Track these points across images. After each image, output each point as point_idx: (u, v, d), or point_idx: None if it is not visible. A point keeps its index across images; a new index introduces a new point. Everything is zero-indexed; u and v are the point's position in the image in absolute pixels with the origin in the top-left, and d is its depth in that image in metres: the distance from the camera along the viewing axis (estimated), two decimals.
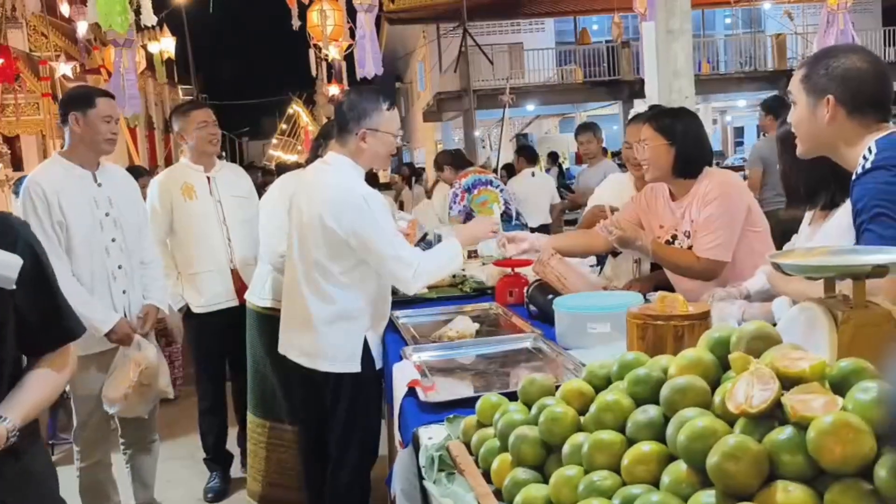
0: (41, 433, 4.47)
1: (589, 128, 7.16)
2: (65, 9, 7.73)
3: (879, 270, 1.32)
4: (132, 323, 3.12)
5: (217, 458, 4.01)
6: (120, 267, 3.08)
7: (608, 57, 20.15)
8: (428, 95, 22.91)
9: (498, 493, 1.28)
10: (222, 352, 3.91)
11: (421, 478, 1.49)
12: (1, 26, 12.07)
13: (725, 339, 1.22)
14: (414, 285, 2.63)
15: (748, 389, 1.00)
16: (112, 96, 3.14)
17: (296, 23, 8.65)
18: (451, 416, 1.69)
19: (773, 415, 0.98)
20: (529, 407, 1.39)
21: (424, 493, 1.48)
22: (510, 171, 10.47)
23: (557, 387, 1.43)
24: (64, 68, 8.47)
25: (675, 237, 2.86)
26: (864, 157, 1.75)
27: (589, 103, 22.17)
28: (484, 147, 23.15)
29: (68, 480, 3.18)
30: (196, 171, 3.80)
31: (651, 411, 1.14)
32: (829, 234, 2.16)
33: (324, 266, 2.64)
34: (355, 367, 2.67)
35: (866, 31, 22.08)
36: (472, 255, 4.20)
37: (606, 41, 20.78)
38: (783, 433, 0.94)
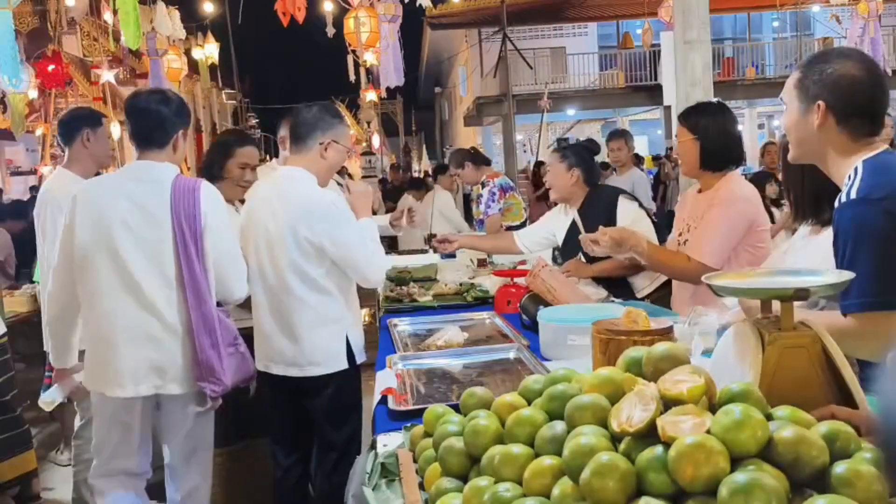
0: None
1: (621, 135, 7.08)
2: (108, 17, 8.00)
3: (801, 293, 1.35)
4: None
5: None
6: None
7: (650, 61, 19.90)
8: (469, 100, 22.98)
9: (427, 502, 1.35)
10: None
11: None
12: (55, 33, 12.52)
13: (639, 358, 1.27)
14: (378, 280, 2.86)
15: (631, 410, 1.05)
16: None
17: (330, 31, 8.85)
18: (409, 424, 1.76)
19: (654, 434, 1.03)
20: None
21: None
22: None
23: None
24: (108, 76, 8.80)
25: (689, 227, 2.92)
26: (850, 178, 1.74)
27: (630, 108, 21.96)
28: (525, 151, 23.15)
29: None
30: None
31: (557, 427, 1.19)
32: (820, 248, 2.13)
33: (303, 272, 2.72)
34: (342, 364, 2.78)
35: None
36: (482, 263, 4.24)
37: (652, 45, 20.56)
38: (654, 452, 0.99)
